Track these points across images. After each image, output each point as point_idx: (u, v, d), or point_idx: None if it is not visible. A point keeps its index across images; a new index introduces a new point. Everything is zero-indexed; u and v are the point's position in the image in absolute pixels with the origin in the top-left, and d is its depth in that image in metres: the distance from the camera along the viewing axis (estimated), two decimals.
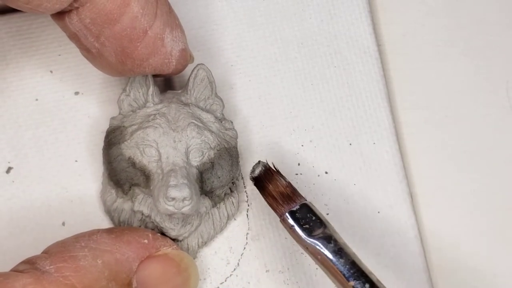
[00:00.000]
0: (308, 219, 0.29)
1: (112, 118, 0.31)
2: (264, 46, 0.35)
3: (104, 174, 0.31)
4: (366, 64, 0.35)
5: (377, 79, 0.35)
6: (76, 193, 0.32)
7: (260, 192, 0.30)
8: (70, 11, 0.26)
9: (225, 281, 0.32)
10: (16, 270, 0.25)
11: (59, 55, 0.33)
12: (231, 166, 0.31)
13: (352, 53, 0.35)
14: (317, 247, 0.28)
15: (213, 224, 0.31)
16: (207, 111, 0.31)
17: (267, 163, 0.31)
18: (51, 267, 0.25)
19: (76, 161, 0.32)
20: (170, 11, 0.28)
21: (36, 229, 0.31)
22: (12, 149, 0.32)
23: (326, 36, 0.35)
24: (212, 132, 0.30)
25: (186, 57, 0.30)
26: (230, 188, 0.32)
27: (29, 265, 0.25)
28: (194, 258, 0.31)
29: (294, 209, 0.29)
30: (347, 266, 0.28)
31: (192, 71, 0.31)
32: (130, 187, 0.30)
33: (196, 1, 0.35)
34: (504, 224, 0.34)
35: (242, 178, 0.33)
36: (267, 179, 0.30)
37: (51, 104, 0.33)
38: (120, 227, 0.30)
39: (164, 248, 0.28)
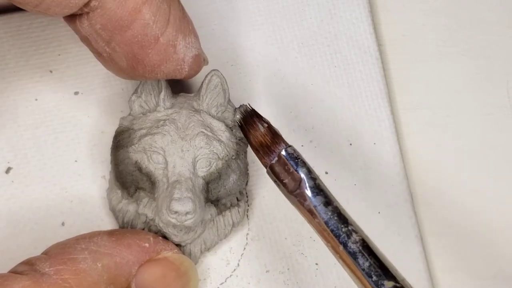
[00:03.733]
0: (285, 173, 0.27)
1: (122, 118, 0.31)
2: (264, 46, 0.35)
3: (111, 173, 0.31)
4: (366, 64, 0.35)
5: (378, 79, 0.35)
6: (76, 193, 0.32)
7: (248, 142, 0.29)
8: (81, 15, 0.26)
9: (225, 281, 0.32)
10: (15, 271, 0.25)
11: (59, 54, 0.33)
12: (239, 176, 0.31)
13: (352, 53, 0.35)
14: (299, 204, 0.27)
15: (217, 231, 0.31)
16: (218, 118, 0.31)
17: (247, 106, 0.30)
18: (51, 269, 0.25)
19: (75, 161, 0.32)
20: (183, 16, 0.28)
21: (35, 229, 0.31)
22: (11, 149, 0.32)
23: (327, 36, 0.35)
24: (222, 142, 0.30)
25: (199, 62, 0.29)
26: (237, 198, 0.31)
27: (28, 266, 0.25)
28: (195, 264, 0.31)
29: (273, 161, 0.28)
30: (331, 221, 0.26)
31: (206, 77, 0.31)
32: (136, 190, 0.30)
33: (196, 1, 0.35)
34: (504, 224, 0.34)
35: (245, 192, 0.33)
36: (248, 126, 0.29)
37: (51, 104, 0.33)
38: (122, 229, 0.30)
39: (165, 251, 0.28)
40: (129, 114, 0.31)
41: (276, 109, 0.34)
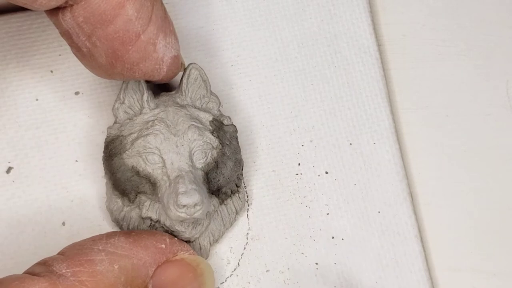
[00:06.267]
0: None
1: (109, 128, 0.31)
2: (264, 46, 0.35)
3: (108, 184, 0.31)
4: (366, 64, 0.35)
5: (377, 79, 0.35)
6: (76, 193, 0.32)
7: None
8: (64, 7, 0.26)
9: (225, 281, 0.32)
10: (31, 272, 0.25)
11: (60, 55, 0.33)
12: (235, 162, 0.31)
13: (352, 53, 0.35)
14: None
15: (222, 220, 0.31)
16: (204, 110, 0.31)
17: None
18: (68, 270, 0.25)
19: (76, 161, 0.32)
20: (165, 16, 0.28)
21: (36, 229, 0.31)
22: (12, 149, 0.32)
23: (326, 36, 0.35)
24: (212, 131, 0.30)
25: (177, 64, 0.29)
26: (236, 184, 0.32)
27: (45, 267, 0.25)
28: (207, 257, 0.31)
29: None
30: None
31: (185, 71, 0.31)
32: (136, 195, 0.30)
33: (197, 1, 0.35)
34: (504, 223, 0.34)
35: (242, 178, 0.33)
36: None
37: (52, 104, 0.33)
38: (138, 230, 0.30)
39: (181, 252, 0.28)
40: (115, 122, 0.31)
41: (277, 109, 0.34)
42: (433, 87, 0.36)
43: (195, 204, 0.28)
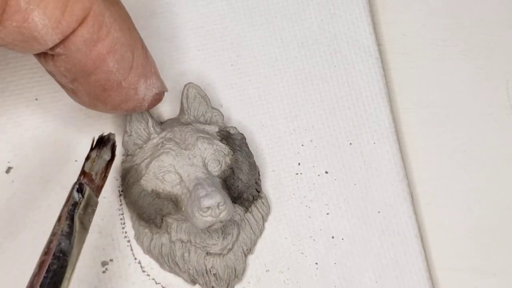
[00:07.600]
0: None
1: (123, 162, 0.31)
2: (264, 45, 0.35)
3: (132, 217, 0.31)
4: (366, 64, 0.35)
5: (377, 78, 0.35)
6: None
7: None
8: (45, 54, 0.26)
9: None
10: None
11: None
12: (249, 166, 0.31)
13: (352, 52, 0.35)
14: None
15: (251, 228, 0.31)
16: (209, 123, 0.31)
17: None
18: None
19: (76, 161, 0.32)
20: (146, 61, 0.28)
21: (35, 229, 0.31)
22: (12, 149, 0.32)
23: (326, 36, 0.35)
24: (221, 139, 0.31)
25: (159, 98, 0.30)
26: (256, 189, 0.32)
27: None
28: (243, 268, 0.31)
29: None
30: None
31: (182, 93, 0.31)
32: (162, 220, 0.30)
33: (197, 0, 0.35)
34: (504, 223, 0.34)
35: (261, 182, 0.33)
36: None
37: (51, 104, 0.33)
38: None
39: None
40: (127, 155, 0.31)
41: (277, 109, 0.34)
42: (433, 87, 0.36)
43: (218, 204, 0.28)
